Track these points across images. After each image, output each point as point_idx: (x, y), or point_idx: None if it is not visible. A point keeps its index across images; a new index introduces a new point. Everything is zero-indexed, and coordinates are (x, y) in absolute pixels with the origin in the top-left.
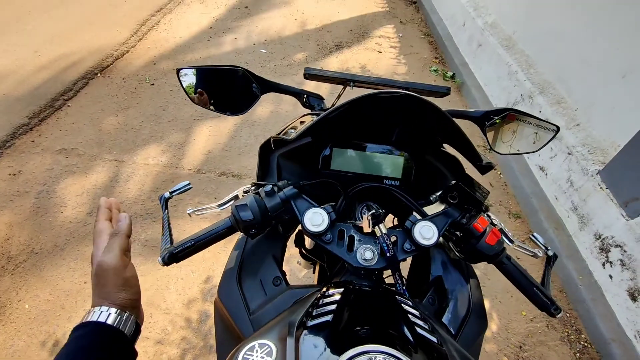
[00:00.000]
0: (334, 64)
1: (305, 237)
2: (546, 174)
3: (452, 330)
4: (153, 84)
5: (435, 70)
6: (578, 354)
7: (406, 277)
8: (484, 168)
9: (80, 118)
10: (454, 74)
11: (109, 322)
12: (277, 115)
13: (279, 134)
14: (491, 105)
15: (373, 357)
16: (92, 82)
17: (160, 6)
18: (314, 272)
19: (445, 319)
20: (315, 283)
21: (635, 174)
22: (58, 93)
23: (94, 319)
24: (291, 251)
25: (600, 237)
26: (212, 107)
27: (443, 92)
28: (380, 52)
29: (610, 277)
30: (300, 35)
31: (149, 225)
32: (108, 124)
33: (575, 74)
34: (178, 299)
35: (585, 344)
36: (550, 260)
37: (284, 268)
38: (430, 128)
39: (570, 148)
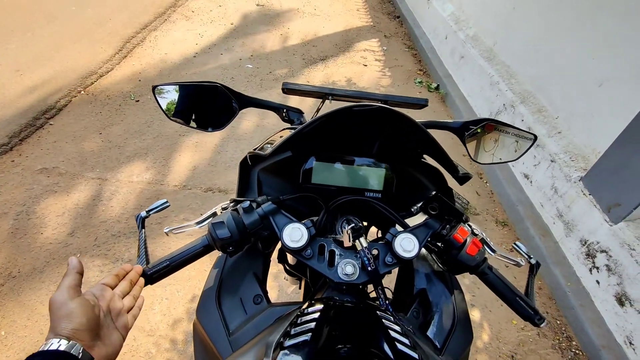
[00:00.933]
0: (319, 77)
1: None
2: (531, 182)
3: (437, 344)
4: (138, 101)
5: (419, 82)
6: None
7: (393, 290)
8: (462, 178)
9: (63, 136)
10: (438, 85)
11: (59, 349)
12: (263, 129)
13: (255, 149)
14: (475, 114)
15: None
16: (75, 100)
17: (146, 23)
18: (300, 288)
19: (430, 333)
20: (302, 298)
21: (616, 180)
22: (40, 112)
23: (43, 349)
24: (279, 266)
25: (586, 242)
26: (190, 124)
27: (421, 104)
28: (366, 65)
29: (598, 282)
30: (285, 50)
31: (132, 244)
32: (91, 142)
33: (555, 84)
34: (163, 319)
35: (577, 351)
36: (533, 269)
37: (272, 284)
38: (408, 140)
39: (552, 155)
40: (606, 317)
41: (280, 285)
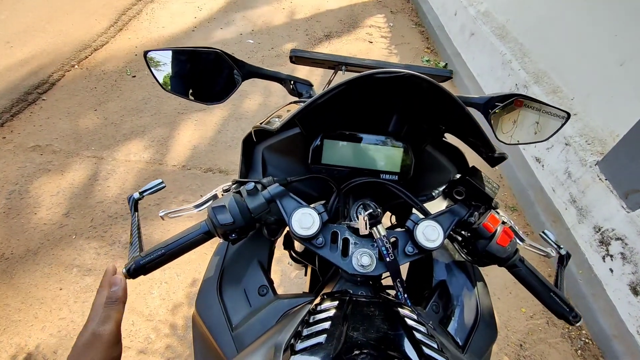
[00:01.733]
0: None
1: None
2: (543, 166)
3: (459, 341)
4: (134, 76)
5: (427, 61)
6: (579, 351)
7: (405, 281)
8: (496, 159)
9: (56, 113)
10: (446, 64)
11: None
12: (266, 108)
13: (261, 123)
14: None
15: None
16: (68, 75)
17: None
18: (305, 275)
19: (451, 328)
20: (307, 287)
21: (635, 165)
22: (32, 86)
23: None
24: (281, 249)
25: (600, 229)
26: (186, 95)
27: (446, 76)
28: (371, 42)
29: (611, 270)
30: (288, 25)
31: (130, 226)
32: (86, 119)
33: (571, 63)
34: (162, 304)
35: (587, 341)
36: (563, 260)
37: (274, 267)
38: (434, 115)
39: (567, 138)
40: (619, 306)
41: (283, 270)
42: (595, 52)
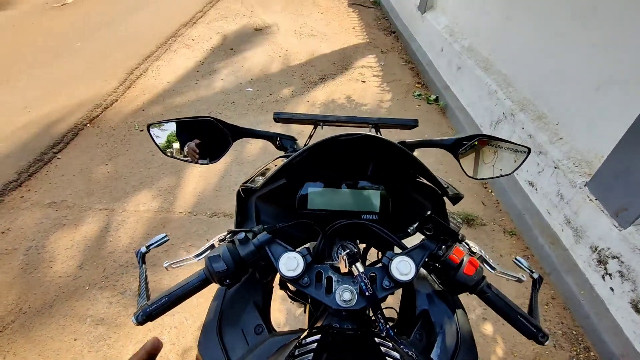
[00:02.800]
0: (320, 96)
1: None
2: (536, 189)
3: None
4: (142, 130)
5: (418, 95)
6: None
7: (398, 311)
8: (454, 199)
9: (70, 170)
10: (437, 97)
11: None
12: (266, 152)
13: (247, 181)
14: (475, 124)
15: None
16: (81, 133)
17: (148, 54)
18: (305, 312)
19: (434, 355)
20: (306, 322)
21: (621, 184)
22: (47, 146)
23: None
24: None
25: (596, 249)
26: (186, 159)
27: (411, 125)
28: (364, 82)
29: (612, 289)
30: (285, 71)
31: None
32: (98, 173)
33: (553, 90)
34: (172, 349)
35: None
36: (536, 284)
37: (280, 307)
38: (399, 162)
39: (556, 162)
40: (623, 324)
41: (288, 309)
42: (573, 78)
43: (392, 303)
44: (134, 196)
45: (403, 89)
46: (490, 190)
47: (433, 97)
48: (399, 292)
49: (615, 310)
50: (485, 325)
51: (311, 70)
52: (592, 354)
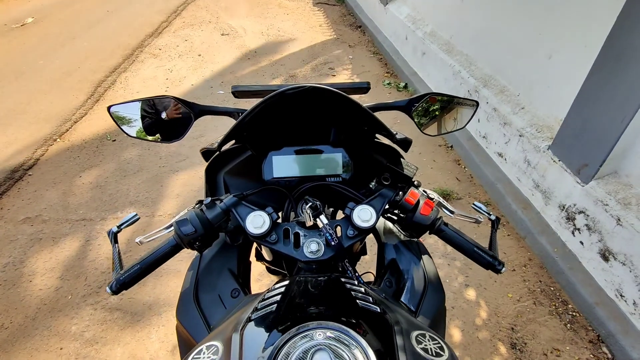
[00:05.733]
0: None
1: (263, 248)
2: (505, 159)
3: (412, 307)
4: (114, 140)
5: (388, 84)
6: (569, 325)
7: (375, 274)
8: (404, 144)
9: (43, 185)
10: (406, 84)
11: None
12: None
13: (205, 147)
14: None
15: (312, 332)
16: (52, 149)
17: (115, 66)
18: None
19: (404, 299)
20: None
21: (579, 142)
22: (17, 165)
23: None
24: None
25: (564, 207)
26: (148, 138)
27: (364, 87)
28: (334, 75)
29: (582, 243)
30: (255, 72)
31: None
32: (72, 186)
33: (510, 64)
34: (162, 347)
35: (574, 313)
36: (494, 224)
37: (266, 281)
38: (351, 118)
39: (520, 130)
40: (595, 274)
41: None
42: (527, 51)
43: (368, 267)
44: (111, 205)
45: (373, 79)
46: (463, 167)
47: (402, 84)
48: (375, 258)
49: (586, 262)
50: (468, 291)
51: (281, 68)
52: (570, 306)
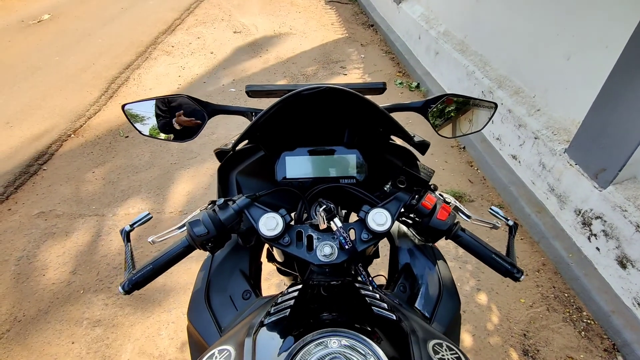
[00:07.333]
0: None
1: (274, 250)
2: (519, 162)
3: (426, 314)
4: (127, 137)
5: (400, 83)
6: (583, 332)
7: (387, 277)
8: (420, 146)
9: (57, 179)
10: (418, 83)
11: None
12: None
13: (219, 147)
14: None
15: (327, 340)
16: (66, 144)
17: (128, 63)
18: None
19: (418, 304)
20: None
21: (597, 146)
22: (32, 159)
23: None
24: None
25: (580, 212)
26: (161, 136)
27: (380, 88)
28: (346, 74)
29: (598, 249)
30: (267, 70)
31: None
32: (85, 181)
33: (527, 65)
34: (171, 343)
35: (589, 321)
36: (511, 230)
37: (276, 281)
38: (365, 118)
39: (535, 133)
40: (611, 282)
41: (280, 285)
42: (544, 51)
43: (379, 269)
44: (123, 200)
45: (385, 78)
46: (476, 168)
47: (414, 84)
48: (387, 260)
49: (602, 269)
50: (480, 295)
51: (293, 67)
52: (584, 313)
